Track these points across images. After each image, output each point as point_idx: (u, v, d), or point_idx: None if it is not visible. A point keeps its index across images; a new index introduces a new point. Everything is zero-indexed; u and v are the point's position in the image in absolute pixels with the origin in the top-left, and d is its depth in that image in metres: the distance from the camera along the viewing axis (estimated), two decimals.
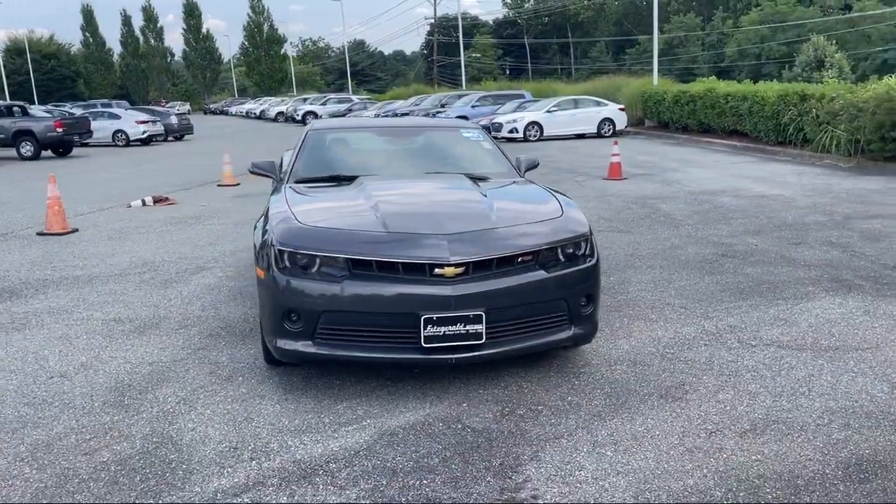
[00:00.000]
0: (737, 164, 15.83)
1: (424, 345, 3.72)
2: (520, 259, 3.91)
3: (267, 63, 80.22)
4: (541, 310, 3.96)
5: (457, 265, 3.75)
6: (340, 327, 3.82)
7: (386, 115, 30.31)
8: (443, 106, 29.39)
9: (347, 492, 3.03)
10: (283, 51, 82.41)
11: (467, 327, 3.73)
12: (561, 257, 4.04)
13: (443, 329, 3.71)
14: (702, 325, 5.12)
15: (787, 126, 17.41)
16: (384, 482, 3.10)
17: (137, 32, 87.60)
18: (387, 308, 3.75)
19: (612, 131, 24.01)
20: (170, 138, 29.81)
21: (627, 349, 4.65)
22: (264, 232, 4.22)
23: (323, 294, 3.78)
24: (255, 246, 4.38)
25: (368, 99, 44.94)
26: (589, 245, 4.17)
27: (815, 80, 31.84)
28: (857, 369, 4.25)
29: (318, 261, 3.84)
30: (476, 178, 5.03)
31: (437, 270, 3.75)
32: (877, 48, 60.95)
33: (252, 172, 5.54)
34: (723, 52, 72.22)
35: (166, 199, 11.78)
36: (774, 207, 10.02)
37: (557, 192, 4.79)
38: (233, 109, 63.40)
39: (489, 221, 4.06)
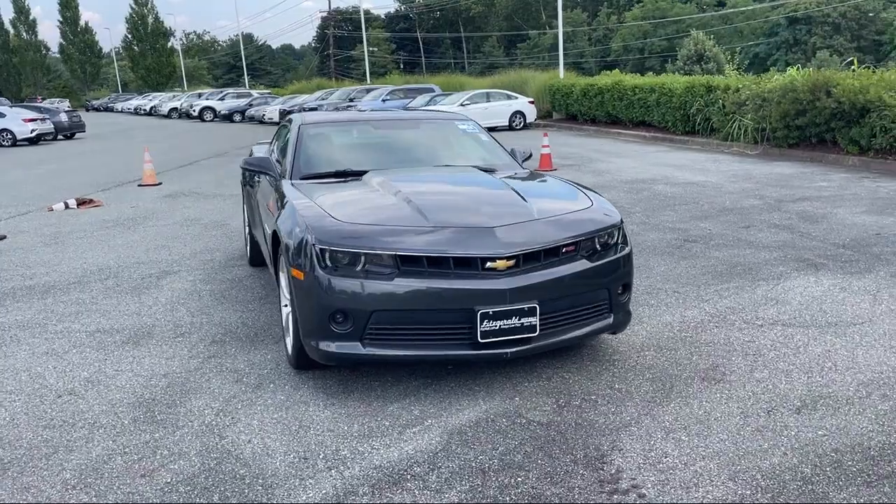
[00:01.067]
0: (652, 153, 16.45)
1: (480, 340, 3.66)
2: (564, 250, 3.91)
3: (153, 57, 76.60)
4: (586, 299, 3.97)
5: (509, 258, 3.70)
6: (391, 326, 3.70)
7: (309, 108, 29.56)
8: (351, 100, 29.03)
9: (445, 495, 2.94)
10: (169, 44, 79.00)
11: (522, 320, 3.69)
12: (598, 247, 4.06)
13: (498, 323, 3.66)
14: (702, 308, 5.28)
15: (694, 116, 18.25)
16: (479, 482, 3.02)
17: (7, 25, 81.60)
18: (442, 304, 3.65)
19: (522, 124, 24.46)
20: (59, 137, 28.03)
21: (646, 335, 4.73)
22: (292, 230, 4.00)
23: (373, 293, 3.64)
24: (269, 244, 4.15)
25: (269, 94, 43.77)
26: (622, 234, 4.21)
27: (695, 73, 33.54)
28: (866, 343, 4.49)
29: (362, 258, 3.69)
30: (485, 171, 4.98)
31: (489, 264, 3.69)
32: (749, 42, 64.86)
33: (245, 169, 5.27)
34: (609, 47, 74.95)
35: (91, 200, 11.06)
36: (708, 193, 10.46)
37: (577, 183, 4.81)
38: (119, 106, 60.30)
39: (530, 213, 4.03)
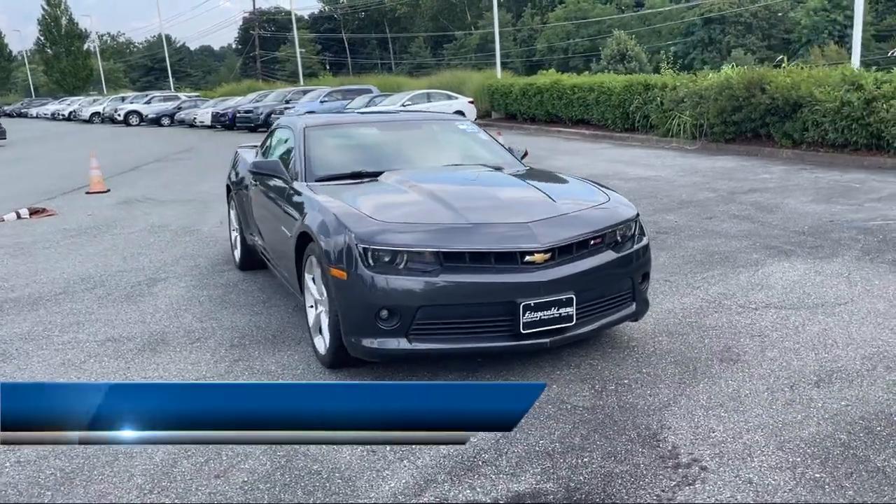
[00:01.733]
0: (597, 150, 16.92)
1: (522, 331, 3.81)
2: (593, 242, 4.10)
3: (69, 60, 73.45)
4: (613, 289, 4.18)
5: (546, 251, 3.86)
6: (436, 321, 3.82)
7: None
8: (287, 102, 28.68)
9: (522, 478, 3.08)
10: (85, 47, 75.97)
11: (560, 310, 3.86)
12: (619, 238, 4.28)
13: (539, 314, 3.82)
14: (696, 294, 5.56)
15: (633, 114, 18.85)
16: (549, 465, 3.17)
17: None
18: (486, 298, 3.80)
19: None
20: None
21: (654, 322, 4.97)
22: (327, 231, 4.05)
23: (419, 289, 3.76)
24: (292, 245, 4.26)
25: (198, 96, 42.74)
26: (639, 225, 4.44)
27: (619, 72, 34.57)
28: (855, 321, 4.84)
29: (405, 256, 3.80)
30: (495, 169, 5.14)
31: (527, 258, 3.84)
32: (667, 42, 67.04)
33: (254, 173, 5.26)
34: (534, 47, 76.18)
35: (44, 210, 10.67)
36: (663, 187, 10.89)
37: (589, 179, 5.03)
38: (34, 111, 57.61)
39: (557, 209, 4.20)
